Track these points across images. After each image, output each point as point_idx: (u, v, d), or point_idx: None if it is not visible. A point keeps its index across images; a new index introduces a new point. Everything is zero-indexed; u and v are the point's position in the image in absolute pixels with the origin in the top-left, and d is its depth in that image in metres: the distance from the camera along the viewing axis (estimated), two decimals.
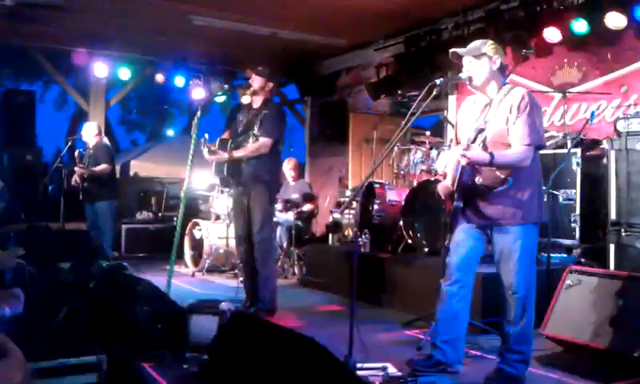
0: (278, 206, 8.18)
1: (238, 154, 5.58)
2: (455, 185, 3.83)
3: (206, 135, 5.64)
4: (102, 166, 7.73)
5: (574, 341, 4.28)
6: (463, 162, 3.63)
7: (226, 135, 5.82)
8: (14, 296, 3.36)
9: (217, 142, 5.74)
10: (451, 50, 3.88)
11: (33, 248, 6.27)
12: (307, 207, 8.73)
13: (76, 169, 7.79)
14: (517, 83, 4.01)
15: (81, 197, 7.89)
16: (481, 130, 3.71)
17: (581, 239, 5.79)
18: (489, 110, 3.77)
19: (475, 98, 3.93)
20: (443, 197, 3.97)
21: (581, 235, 5.78)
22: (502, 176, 3.68)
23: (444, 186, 3.99)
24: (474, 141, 3.70)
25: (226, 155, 5.58)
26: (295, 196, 8.74)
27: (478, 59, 3.79)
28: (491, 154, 3.55)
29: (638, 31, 6.36)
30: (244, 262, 5.90)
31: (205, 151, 5.62)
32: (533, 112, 3.64)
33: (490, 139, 3.66)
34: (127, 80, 10.62)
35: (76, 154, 7.97)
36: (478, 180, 3.73)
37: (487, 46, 3.82)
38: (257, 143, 5.56)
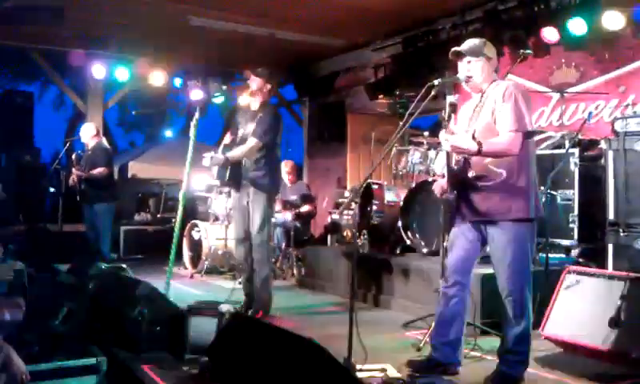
0: (277, 207, 8.19)
1: (230, 156, 5.61)
2: (446, 177, 3.84)
3: (212, 153, 5.68)
4: (99, 170, 7.70)
5: (573, 341, 4.28)
6: (447, 146, 3.65)
7: (228, 141, 5.84)
8: (15, 304, 3.37)
9: (221, 149, 5.77)
10: (452, 49, 3.89)
11: (31, 250, 6.27)
12: (306, 208, 8.73)
13: (73, 170, 7.78)
14: (505, 79, 4.02)
15: (78, 198, 7.88)
16: (452, 105, 3.72)
17: (579, 239, 5.79)
18: (479, 107, 3.81)
19: (471, 101, 3.96)
20: (440, 196, 3.99)
21: (579, 235, 5.78)
22: (495, 168, 3.69)
23: (439, 185, 4.02)
24: (448, 118, 3.72)
25: (222, 159, 5.60)
26: (294, 197, 8.74)
27: (478, 59, 3.81)
28: (479, 143, 3.56)
29: (635, 31, 6.37)
30: (243, 263, 5.91)
31: (206, 161, 5.63)
32: (518, 99, 3.65)
33: (479, 132, 3.68)
34: (125, 81, 10.61)
35: (73, 156, 7.95)
36: (471, 174, 3.74)
37: (487, 46, 3.86)
38: (245, 145, 5.60)
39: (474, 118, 3.80)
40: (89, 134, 8.01)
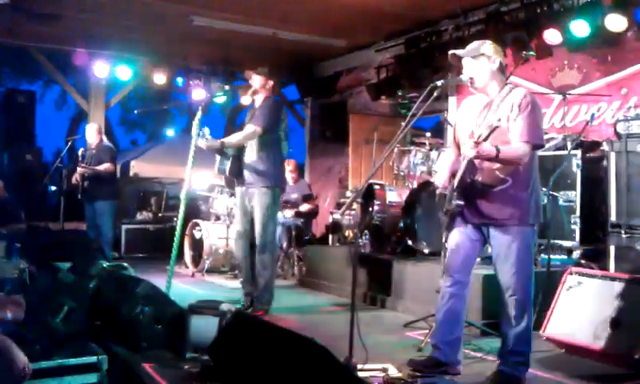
0: None
1: (227, 140, 5.64)
2: (457, 183, 3.82)
3: (206, 128, 5.64)
4: (106, 165, 7.72)
5: (575, 343, 4.28)
6: (472, 153, 3.60)
7: None
8: (15, 302, 3.38)
9: None
10: (450, 52, 3.90)
11: (33, 248, 6.27)
12: (306, 207, 8.73)
13: (78, 168, 7.78)
14: (517, 85, 4.00)
15: (80, 196, 7.89)
16: (494, 128, 3.60)
17: (581, 241, 5.79)
18: (488, 109, 3.78)
19: (475, 98, 3.94)
20: (439, 188, 3.99)
21: (581, 237, 5.78)
22: (502, 175, 3.70)
23: (441, 179, 4.02)
24: (486, 138, 3.63)
25: (218, 142, 5.60)
26: (295, 196, 8.75)
27: (477, 60, 3.80)
28: (497, 148, 3.56)
29: (638, 33, 6.36)
30: (244, 262, 5.88)
31: (201, 141, 5.58)
32: (534, 111, 3.66)
33: (490, 138, 3.66)
34: (127, 80, 10.61)
35: (80, 151, 7.97)
36: (479, 178, 3.74)
37: (486, 45, 3.85)
38: (242, 132, 5.64)
39: (484, 120, 3.74)
40: (94, 134, 8.03)
